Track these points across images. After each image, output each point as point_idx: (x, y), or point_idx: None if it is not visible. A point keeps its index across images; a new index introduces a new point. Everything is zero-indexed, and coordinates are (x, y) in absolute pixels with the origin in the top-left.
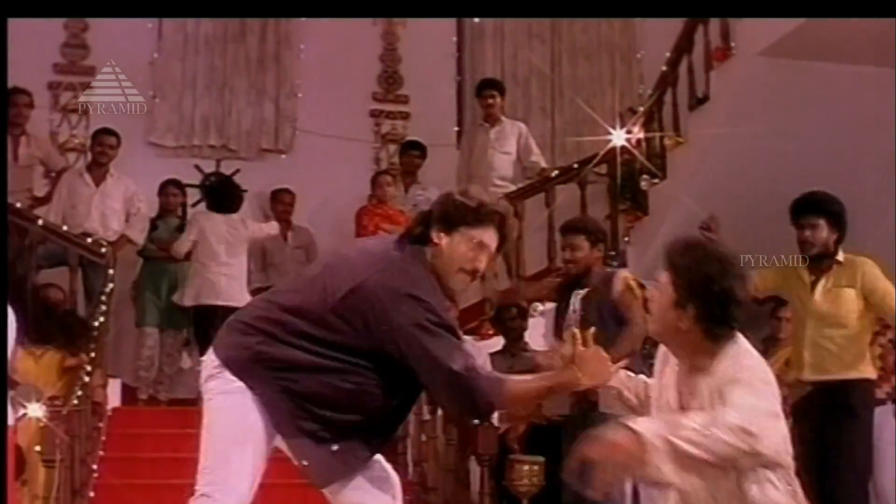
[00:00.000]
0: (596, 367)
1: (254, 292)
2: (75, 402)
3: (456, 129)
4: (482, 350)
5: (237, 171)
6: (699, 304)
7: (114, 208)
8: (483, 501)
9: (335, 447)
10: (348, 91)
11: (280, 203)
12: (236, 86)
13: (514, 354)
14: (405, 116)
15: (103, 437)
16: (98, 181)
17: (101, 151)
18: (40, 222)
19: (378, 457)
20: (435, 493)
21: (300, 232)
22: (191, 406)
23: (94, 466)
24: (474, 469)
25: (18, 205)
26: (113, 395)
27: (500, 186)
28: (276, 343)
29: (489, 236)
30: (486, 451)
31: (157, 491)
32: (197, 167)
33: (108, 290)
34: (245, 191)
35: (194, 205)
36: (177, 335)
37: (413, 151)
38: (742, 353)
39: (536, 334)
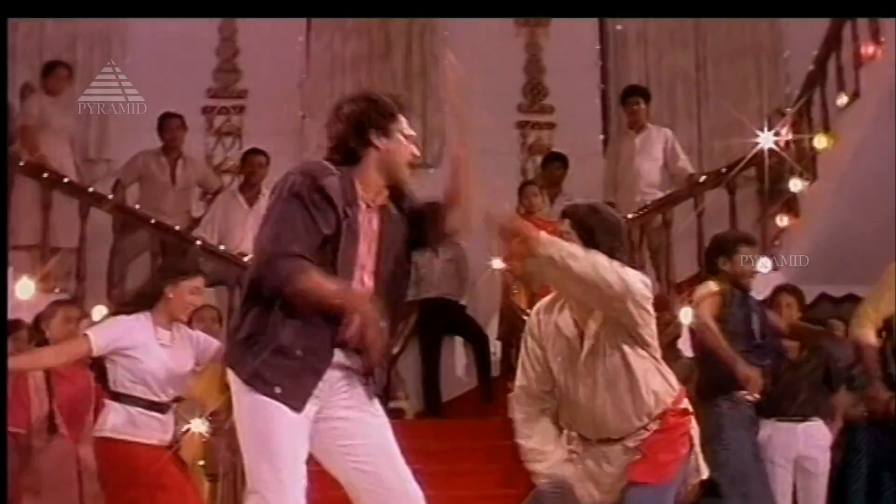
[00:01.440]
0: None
1: (407, 305)
2: None
3: (602, 137)
4: None
5: None
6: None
7: None
8: None
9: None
10: (494, 103)
11: None
12: None
13: (668, 361)
14: (551, 127)
15: None
16: (251, 202)
17: (251, 172)
18: (199, 243)
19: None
20: None
21: (450, 245)
22: None
23: None
24: None
25: (178, 227)
26: None
27: (647, 193)
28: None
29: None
30: None
31: None
32: None
33: None
34: None
35: None
36: None
37: (554, 163)
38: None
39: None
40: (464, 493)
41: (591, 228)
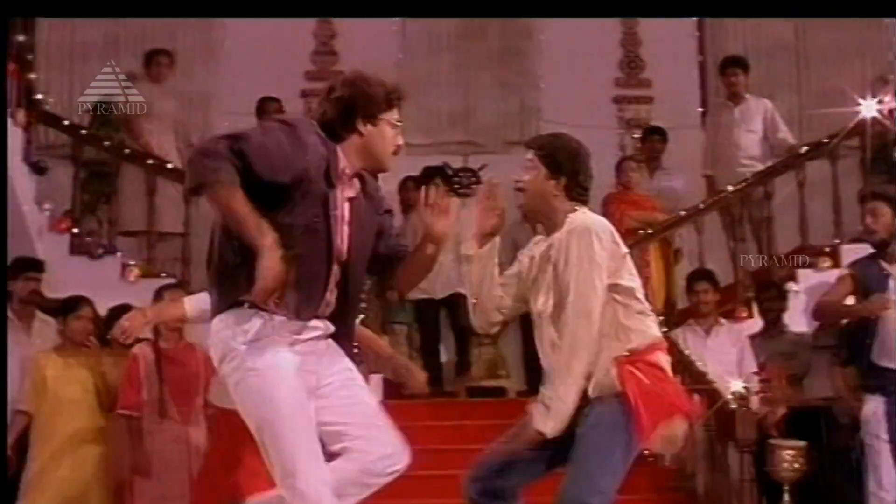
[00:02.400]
0: None
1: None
2: None
3: (700, 110)
4: (740, 333)
5: (484, 165)
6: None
7: None
8: (743, 488)
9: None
10: (590, 78)
11: None
12: (480, 81)
13: (773, 336)
14: (648, 101)
15: None
16: None
17: None
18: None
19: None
20: (694, 479)
21: None
22: (450, 398)
23: None
24: (734, 455)
25: None
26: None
27: (747, 166)
28: None
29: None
30: (746, 436)
31: (425, 482)
32: (445, 163)
33: None
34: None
35: None
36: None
37: (654, 137)
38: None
39: (797, 315)
40: None
41: (553, 154)
